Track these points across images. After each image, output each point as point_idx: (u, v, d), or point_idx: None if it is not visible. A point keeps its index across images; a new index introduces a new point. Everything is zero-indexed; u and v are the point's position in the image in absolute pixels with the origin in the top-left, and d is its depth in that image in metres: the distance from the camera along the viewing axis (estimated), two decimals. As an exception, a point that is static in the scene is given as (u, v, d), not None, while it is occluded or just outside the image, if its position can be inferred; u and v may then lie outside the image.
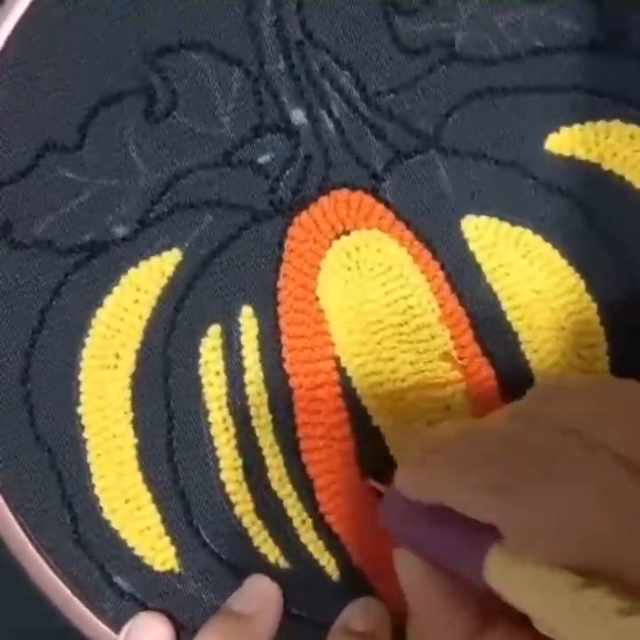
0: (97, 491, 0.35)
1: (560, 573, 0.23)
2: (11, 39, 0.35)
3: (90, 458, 0.35)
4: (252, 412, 0.35)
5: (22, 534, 0.35)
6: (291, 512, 0.35)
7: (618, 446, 0.26)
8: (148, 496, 0.35)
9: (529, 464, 0.26)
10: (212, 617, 0.34)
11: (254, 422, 0.35)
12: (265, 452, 0.35)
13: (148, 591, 0.35)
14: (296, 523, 0.35)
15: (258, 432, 0.35)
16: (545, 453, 0.26)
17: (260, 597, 0.34)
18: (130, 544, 0.35)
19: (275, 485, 0.35)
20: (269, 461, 0.35)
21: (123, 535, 0.35)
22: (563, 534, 0.24)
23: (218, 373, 0.35)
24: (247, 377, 0.35)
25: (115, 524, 0.35)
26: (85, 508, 0.35)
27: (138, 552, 0.35)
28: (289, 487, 0.35)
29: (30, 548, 0.35)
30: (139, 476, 0.35)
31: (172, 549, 0.35)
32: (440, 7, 0.35)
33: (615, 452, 0.25)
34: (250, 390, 0.35)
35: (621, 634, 0.21)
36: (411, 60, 0.35)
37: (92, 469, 0.35)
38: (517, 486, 0.26)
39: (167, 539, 0.35)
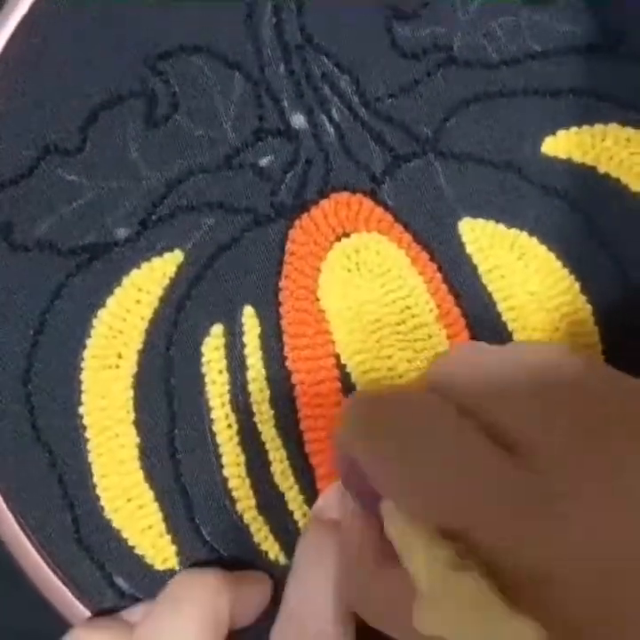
0: (98, 490, 0.35)
1: (419, 530, 0.25)
2: (11, 42, 0.36)
3: (91, 458, 0.35)
4: (255, 408, 0.35)
5: (22, 535, 0.35)
6: (292, 505, 0.35)
7: (487, 413, 0.26)
8: (149, 495, 0.35)
9: (412, 432, 0.27)
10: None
11: (257, 418, 0.35)
12: (267, 446, 0.35)
13: (148, 591, 0.35)
14: (297, 515, 0.35)
15: (260, 427, 0.35)
16: (429, 421, 0.27)
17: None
18: (131, 543, 0.35)
19: (277, 479, 0.35)
20: (272, 455, 0.35)
21: (124, 535, 0.35)
22: (426, 496, 0.26)
23: (220, 372, 0.35)
24: (250, 374, 0.35)
25: (116, 524, 0.35)
26: (87, 508, 0.35)
27: (138, 551, 0.35)
28: (291, 480, 0.35)
29: (30, 548, 0.35)
30: (140, 475, 0.35)
31: (173, 548, 0.35)
32: (438, 12, 0.35)
33: (485, 419, 0.26)
34: (252, 387, 0.35)
35: (452, 586, 0.23)
36: (409, 65, 0.35)
37: (94, 469, 0.35)
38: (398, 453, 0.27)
39: (168, 537, 0.35)
